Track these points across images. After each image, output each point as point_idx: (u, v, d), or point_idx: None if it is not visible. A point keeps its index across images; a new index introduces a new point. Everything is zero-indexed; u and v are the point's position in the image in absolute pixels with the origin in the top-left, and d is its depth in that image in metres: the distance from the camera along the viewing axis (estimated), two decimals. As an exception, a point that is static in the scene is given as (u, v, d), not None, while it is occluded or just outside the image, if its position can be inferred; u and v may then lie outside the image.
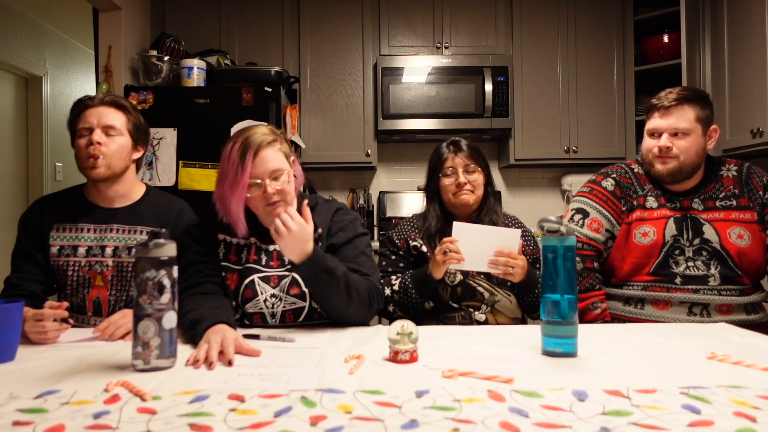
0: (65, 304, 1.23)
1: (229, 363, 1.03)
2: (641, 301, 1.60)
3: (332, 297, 1.30)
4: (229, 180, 1.30)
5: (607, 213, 1.66)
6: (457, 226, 1.50)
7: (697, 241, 1.57)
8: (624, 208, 1.65)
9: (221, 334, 1.11)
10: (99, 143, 1.48)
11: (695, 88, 1.65)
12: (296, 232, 1.23)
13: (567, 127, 3.30)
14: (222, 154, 1.34)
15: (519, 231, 1.51)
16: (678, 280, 1.56)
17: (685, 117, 1.56)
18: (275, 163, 1.32)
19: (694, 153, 1.57)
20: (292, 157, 1.40)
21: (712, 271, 1.54)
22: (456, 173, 1.69)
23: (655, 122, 1.60)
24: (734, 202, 1.59)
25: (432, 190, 1.76)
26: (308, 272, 1.28)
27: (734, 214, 1.58)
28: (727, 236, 1.55)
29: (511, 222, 1.78)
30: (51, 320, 1.22)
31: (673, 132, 1.57)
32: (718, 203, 1.60)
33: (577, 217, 1.68)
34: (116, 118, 1.52)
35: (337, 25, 3.28)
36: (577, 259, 1.62)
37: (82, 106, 1.52)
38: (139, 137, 1.58)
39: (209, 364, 1.03)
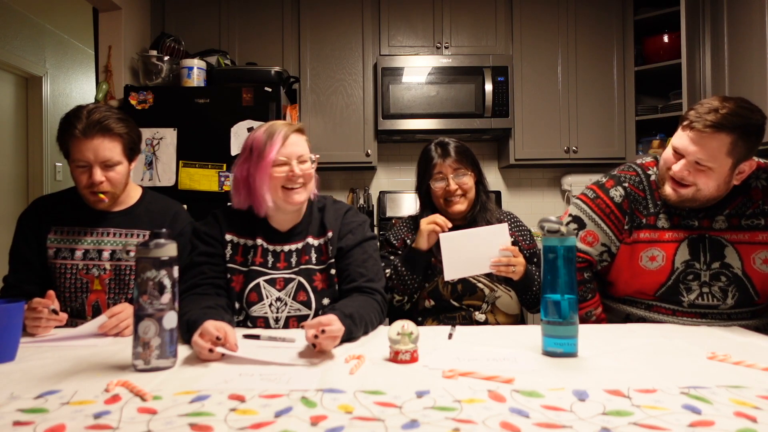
0: (52, 294, 1.31)
1: (218, 338, 1.07)
2: (642, 321, 1.49)
3: (357, 336, 1.27)
4: (254, 158, 1.35)
5: (606, 227, 1.49)
6: (443, 238, 1.50)
7: (716, 265, 1.39)
8: (627, 226, 1.47)
9: (202, 330, 1.10)
10: (101, 182, 1.44)
11: (748, 111, 1.31)
12: (329, 341, 1.10)
13: (567, 127, 3.29)
14: (242, 147, 1.40)
15: (505, 225, 1.53)
16: (685, 303, 1.42)
17: (715, 150, 1.28)
18: (302, 149, 1.38)
19: (713, 187, 1.34)
20: (315, 157, 1.43)
21: (729, 301, 1.39)
22: (446, 178, 1.68)
23: (681, 141, 1.33)
24: (762, 221, 1.39)
25: (424, 192, 1.75)
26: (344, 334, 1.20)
27: (761, 236, 1.38)
28: (751, 261, 1.37)
29: (505, 218, 1.78)
30: (44, 309, 1.29)
31: (695, 161, 1.31)
32: (743, 222, 1.40)
33: (572, 226, 1.53)
34: (112, 149, 1.44)
35: (337, 25, 3.28)
36: None
37: (71, 133, 1.42)
38: (135, 152, 1.54)
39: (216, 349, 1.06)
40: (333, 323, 1.10)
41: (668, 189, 1.39)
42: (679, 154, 1.35)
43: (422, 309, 1.66)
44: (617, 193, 1.49)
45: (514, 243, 1.64)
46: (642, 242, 1.45)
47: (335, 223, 1.45)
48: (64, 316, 1.32)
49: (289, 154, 1.35)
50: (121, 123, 1.46)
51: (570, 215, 1.56)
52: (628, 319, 1.53)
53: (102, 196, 1.47)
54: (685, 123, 1.34)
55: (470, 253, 1.49)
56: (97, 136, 1.42)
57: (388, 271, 1.65)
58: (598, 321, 1.53)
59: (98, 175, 1.44)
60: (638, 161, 1.55)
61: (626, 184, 1.49)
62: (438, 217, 1.57)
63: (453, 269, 1.50)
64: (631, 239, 1.47)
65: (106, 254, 1.52)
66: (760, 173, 1.42)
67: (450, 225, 1.56)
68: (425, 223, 1.57)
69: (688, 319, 1.43)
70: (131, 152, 1.52)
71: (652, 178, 1.48)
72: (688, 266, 1.41)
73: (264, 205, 1.37)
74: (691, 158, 1.32)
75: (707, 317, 1.42)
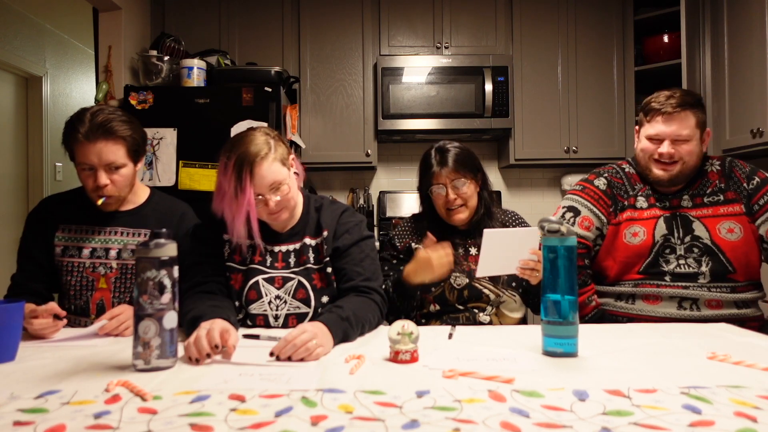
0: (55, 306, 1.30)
1: (216, 347, 1.06)
2: (632, 297, 1.62)
3: (353, 337, 1.27)
4: (228, 198, 1.30)
5: (598, 211, 1.67)
6: (487, 234, 1.42)
7: (687, 238, 1.58)
8: (612, 209, 1.67)
9: (209, 323, 1.11)
10: (106, 185, 1.44)
11: (692, 92, 1.65)
12: (316, 342, 1.11)
13: (567, 127, 3.29)
14: (219, 164, 1.34)
15: (536, 228, 1.49)
16: (667, 277, 1.57)
17: (688, 123, 1.55)
18: (272, 177, 1.31)
19: (695, 158, 1.59)
20: (291, 156, 1.39)
21: (703, 268, 1.55)
22: (444, 188, 1.64)
23: (657, 128, 1.58)
24: (721, 197, 1.61)
25: (424, 196, 1.72)
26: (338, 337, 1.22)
27: (722, 209, 1.59)
28: (717, 232, 1.57)
29: (511, 218, 1.77)
30: (45, 317, 1.28)
31: (676, 139, 1.56)
32: (705, 199, 1.61)
33: (569, 215, 1.69)
34: (116, 152, 1.44)
35: (337, 25, 3.28)
36: None
37: (74, 137, 1.41)
38: (140, 153, 1.53)
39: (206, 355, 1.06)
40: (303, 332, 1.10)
41: (658, 171, 1.61)
42: (657, 140, 1.59)
43: (426, 313, 1.65)
44: (601, 182, 1.72)
45: None
46: (625, 221, 1.64)
47: (331, 222, 1.45)
48: (63, 321, 1.32)
49: (259, 191, 1.31)
50: (124, 125, 1.45)
51: (564, 207, 1.73)
52: (619, 297, 1.64)
53: (99, 202, 1.46)
54: (650, 114, 1.60)
55: (505, 252, 1.45)
56: (100, 139, 1.41)
57: (391, 275, 1.63)
58: (597, 308, 1.63)
59: (103, 178, 1.44)
60: (612, 163, 1.80)
61: (606, 175, 1.73)
62: (437, 249, 1.44)
63: (487, 266, 1.45)
64: (616, 220, 1.66)
65: (113, 253, 1.53)
66: (713, 161, 1.66)
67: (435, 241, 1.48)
68: (439, 259, 1.43)
69: (672, 290, 1.56)
70: (135, 154, 1.51)
71: (627, 170, 1.73)
72: (665, 240, 1.59)
73: (243, 241, 1.37)
74: (672, 137, 1.56)
75: (689, 289, 1.55)
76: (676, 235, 1.59)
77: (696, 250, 1.56)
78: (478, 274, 1.48)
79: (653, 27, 3.28)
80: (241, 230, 1.32)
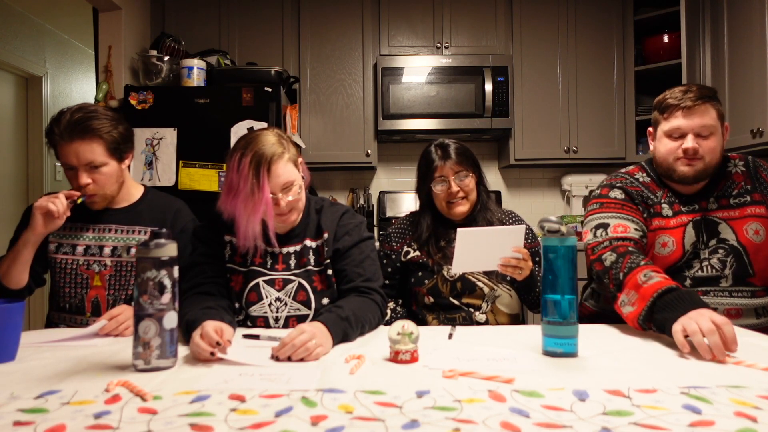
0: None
1: (217, 344, 1.06)
2: None
3: (353, 337, 1.27)
4: (242, 197, 1.27)
5: (629, 217, 1.52)
6: (461, 233, 1.44)
7: (713, 242, 1.51)
8: (643, 212, 1.54)
9: (200, 329, 1.10)
10: (87, 184, 1.44)
11: (706, 86, 1.56)
12: (315, 342, 1.11)
13: (567, 127, 3.30)
14: (229, 162, 1.32)
15: (523, 227, 1.50)
16: (687, 282, 1.49)
17: (710, 116, 1.47)
18: (286, 176, 1.32)
19: (718, 152, 1.50)
20: (300, 159, 1.40)
21: (727, 270, 1.48)
22: (447, 181, 1.66)
23: (677, 122, 1.49)
24: (748, 198, 1.54)
25: (424, 194, 1.73)
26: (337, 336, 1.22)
27: (749, 210, 1.53)
28: (744, 232, 1.50)
29: (508, 217, 1.77)
30: (64, 199, 1.34)
31: (698, 132, 1.47)
32: (732, 201, 1.54)
33: (600, 231, 1.50)
34: (94, 150, 1.42)
35: (337, 25, 3.28)
36: (606, 254, 1.41)
37: (53, 138, 1.42)
38: (124, 150, 1.51)
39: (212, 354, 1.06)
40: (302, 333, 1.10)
41: (683, 167, 1.49)
42: (677, 137, 1.49)
43: (422, 305, 1.67)
44: (616, 193, 1.57)
45: None
46: (654, 230, 1.54)
47: (332, 225, 1.45)
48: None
49: (273, 189, 1.30)
50: (101, 122, 1.43)
51: (591, 228, 1.52)
52: None
53: (78, 200, 1.45)
54: (668, 110, 1.50)
55: (483, 250, 1.46)
56: (76, 138, 1.40)
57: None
58: (667, 282, 1.27)
59: (84, 178, 1.43)
60: (621, 171, 1.66)
61: (619, 185, 1.58)
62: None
63: (462, 263, 1.47)
64: (651, 226, 1.53)
65: (107, 250, 1.52)
66: (736, 161, 1.59)
67: None
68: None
69: None
70: (117, 151, 1.48)
71: (641, 179, 1.59)
72: (694, 248, 1.50)
73: (250, 241, 1.34)
74: (695, 130, 1.47)
75: (709, 295, 1.48)
76: (701, 239, 1.51)
77: (721, 251, 1.49)
78: (453, 270, 1.52)
79: (653, 27, 3.29)
80: (257, 229, 1.32)
